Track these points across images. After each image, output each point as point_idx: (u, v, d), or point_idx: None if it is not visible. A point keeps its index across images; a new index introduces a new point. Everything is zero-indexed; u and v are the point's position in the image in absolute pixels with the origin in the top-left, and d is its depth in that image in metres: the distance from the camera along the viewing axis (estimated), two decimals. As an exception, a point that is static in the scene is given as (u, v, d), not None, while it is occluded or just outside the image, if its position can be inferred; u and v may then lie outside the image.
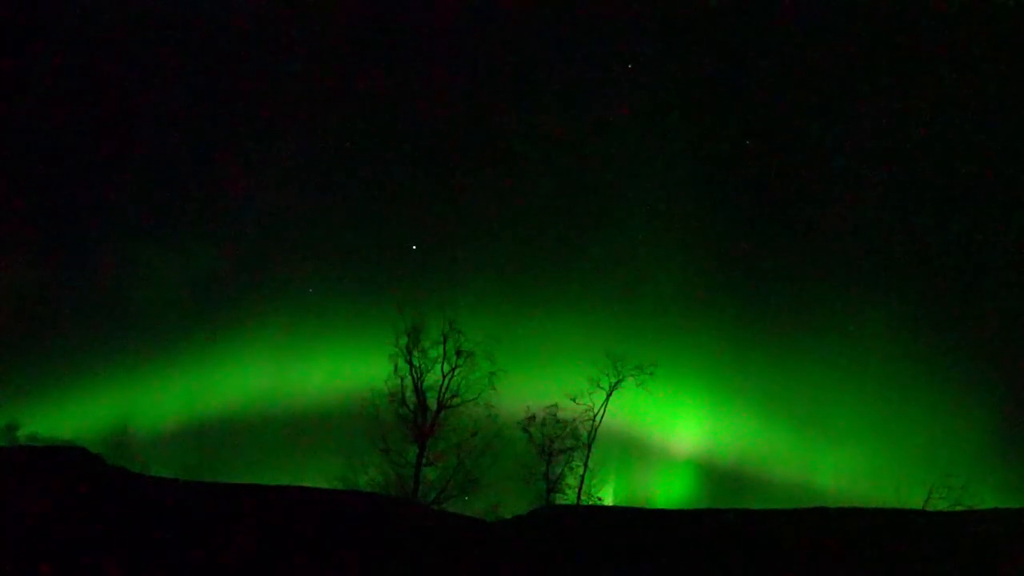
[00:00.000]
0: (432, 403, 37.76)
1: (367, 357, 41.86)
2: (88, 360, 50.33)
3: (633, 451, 43.58)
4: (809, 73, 52.68)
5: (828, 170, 53.35)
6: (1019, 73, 48.47)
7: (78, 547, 22.95)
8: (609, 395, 38.59)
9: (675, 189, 53.71)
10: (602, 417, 38.57)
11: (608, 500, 39.03)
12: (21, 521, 24.53)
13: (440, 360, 38.12)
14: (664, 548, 28.25)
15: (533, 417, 38.07)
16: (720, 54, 54.11)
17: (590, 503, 37.82)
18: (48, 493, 27.13)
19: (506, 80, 56.45)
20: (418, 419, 37.44)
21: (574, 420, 38.34)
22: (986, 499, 35.66)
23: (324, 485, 36.18)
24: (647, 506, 40.08)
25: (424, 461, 37.13)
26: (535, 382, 40.89)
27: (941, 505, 35.17)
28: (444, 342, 38.14)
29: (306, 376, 48.52)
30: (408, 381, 37.78)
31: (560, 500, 37.57)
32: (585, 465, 38.11)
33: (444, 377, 38.02)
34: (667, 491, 44.01)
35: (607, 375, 38.54)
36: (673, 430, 45.46)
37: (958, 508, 34.81)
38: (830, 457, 45.82)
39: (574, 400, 38.40)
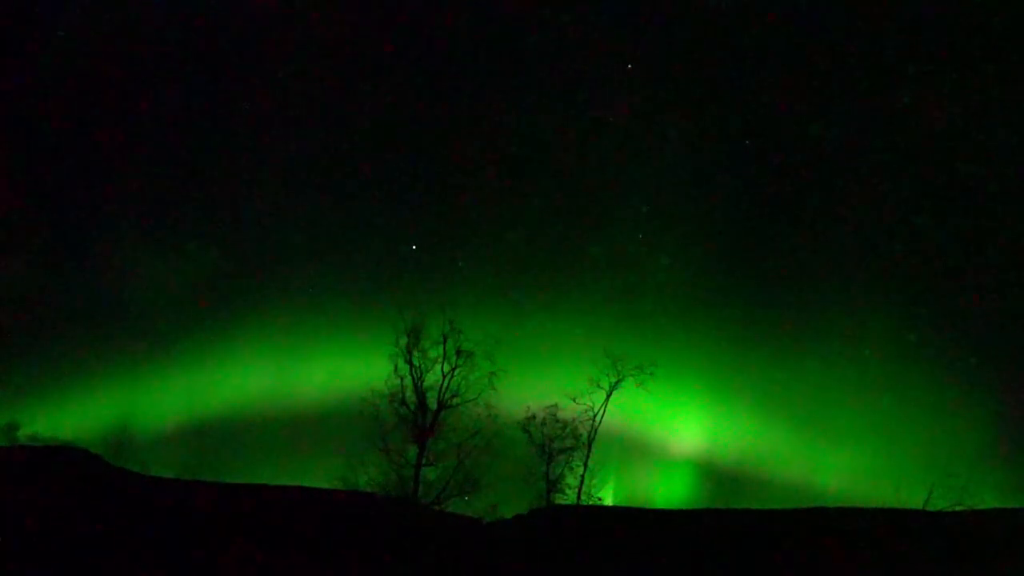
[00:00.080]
0: (432, 403, 37.72)
1: (367, 357, 41.79)
2: (88, 360, 50.22)
3: (633, 451, 43.51)
4: (809, 73, 52.66)
5: (828, 170, 53.31)
6: (1019, 73, 48.48)
7: (78, 547, 22.95)
8: (609, 395, 38.57)
9: (675, 189, 53.69)
10: (602, 417, 38.56)
11: (608, 500, 39.01)
12: (21, 521, 24.54)
13: (440, 360, 38.08)
14: (664, 548, 28.28)
15: (533, 417, 38.05)
16: (720, 54, 54.12)
17: (590, 503, 37.79)
18: (48, 493, 27.15)
19: (506, 80, 56.42)
20: (418, 419, 37.41)
21: (574, 420, 38.31)
22: (986, 499, 35.66)
23: (324, 485, 36.23)
24: (647, 506, 40.07)
25: (424, 461, 37.08)
26: (535, 382, 40.84)
27: (941, 505, 35.11)
28: (444, 342, 38.11)
29: (306, 376, 48.43)
30: (408, 381, 37.76)
31: (560, 500, 37.54)
32: (585, 465, 38.09)
33: (444, 377, 37.99)
34: (667, 491, 43.94)
35: (607, 375, 38.49)
36: (673, 430, 45.37)
37: (958, 508, 34.81)
38: (830, 457, 45.76)
39: (574, 400, 38.36)
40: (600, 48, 54.37)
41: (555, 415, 38.10)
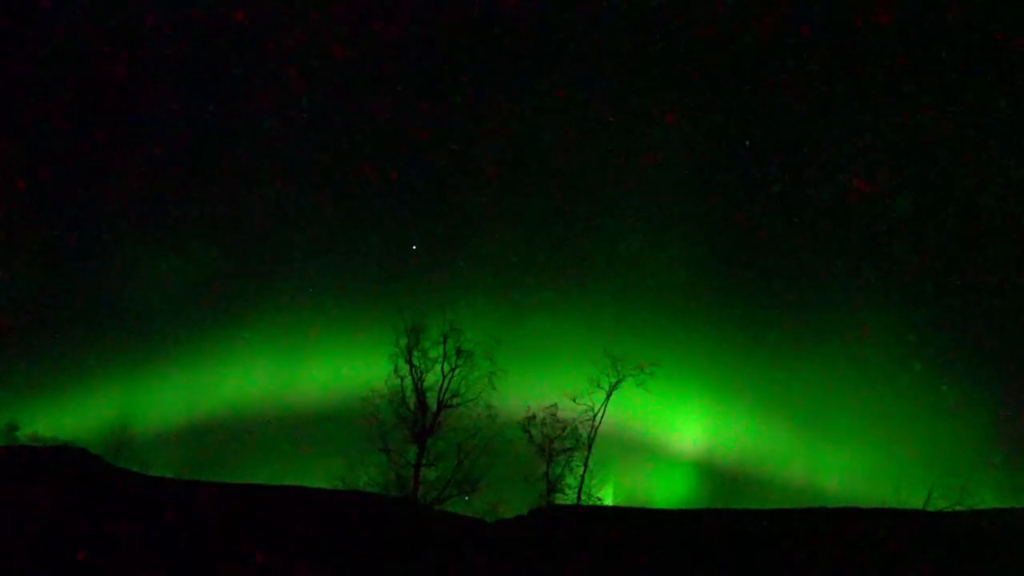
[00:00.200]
0: (432, 403, 37.75)
1: (367, 357, 41.88)
2: (88, 360, 50.33)
3: (633, 451, 43.60)
4: (811, 74, 52.70)
5: (829, 170, 53.35)
6: (1019, 73, 48.49)
7: (78, 547, 22.96)
8: (609, 395, 38.57)
9: (675, 189, 53.74)
10: (602, 417, 38.57)
11: (608, 500, 39.01)
12: (21, 521, 24.54)
13: (440, 360, 38.14)
14: (664, 548, 28.28)
15: (533, 417, 38.07)
16: (720, 54, 54.13)
17: (590, 503, 37.79)
18: (48, 493, 27.16)
19: (507, 81, 56.47)
20: (418, 419, 37.43)
21: (574, 420, 38.34)
22: (986, 499, 35.71)
23: (324, 485, 36.24)
24: (647, 506, 40.09)
25: (424, 461, 37.11)
26: (535, 382, 40.91)
27: (941, 505, 35.14)
28: (444, 342, 38.17)
29: (306, 376, 48.55)
30: (408, 381, 37.80)
31: (560, 500, 37.54)
32: (585, 465, 38.09)
33: (444, 377, 38.03)
34: (667, 491, 44.03)
35: (607, 375, 38.52)
36: (673, 430, 45.46)
37: (958, 508, 34.82)
38: (830, 457, 45.83)
39: (574, 400, 38.39)
40: (600, 48, 54.45)
41: (555, 415, 38.13)
